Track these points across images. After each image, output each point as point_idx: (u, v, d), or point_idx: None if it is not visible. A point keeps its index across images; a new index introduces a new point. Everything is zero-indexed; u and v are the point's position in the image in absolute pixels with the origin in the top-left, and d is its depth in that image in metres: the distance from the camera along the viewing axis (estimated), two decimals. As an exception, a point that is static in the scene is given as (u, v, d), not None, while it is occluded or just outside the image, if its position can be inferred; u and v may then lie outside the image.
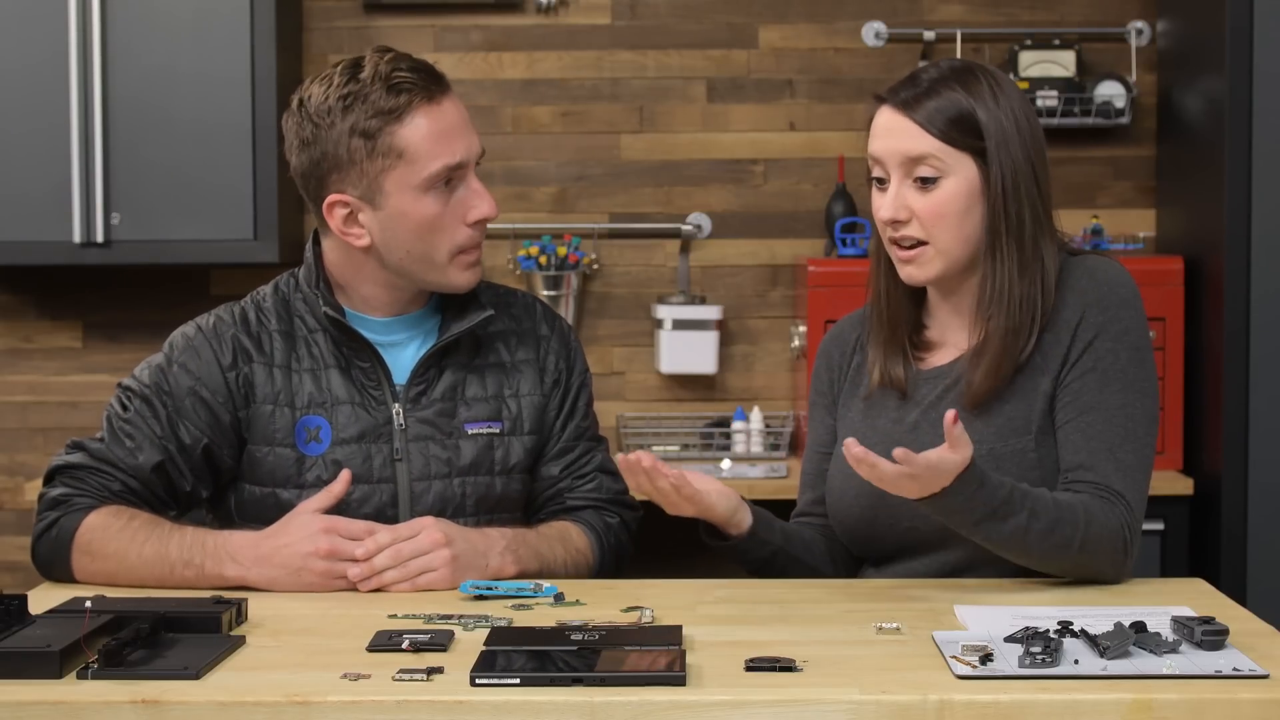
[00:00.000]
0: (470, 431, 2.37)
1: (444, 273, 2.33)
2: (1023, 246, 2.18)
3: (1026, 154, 2.18)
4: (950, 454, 1.97)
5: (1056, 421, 2.19)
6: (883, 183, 2.22)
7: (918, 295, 2.31)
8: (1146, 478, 2.18)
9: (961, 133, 2.16)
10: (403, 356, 2.38)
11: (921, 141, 2.17)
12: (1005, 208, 2.17)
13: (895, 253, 2.23)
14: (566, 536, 2.37)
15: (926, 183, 2.17)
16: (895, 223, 2.20)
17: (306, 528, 2.18)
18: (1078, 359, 2.18)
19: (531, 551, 2.28)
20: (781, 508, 2.42)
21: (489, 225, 2.36)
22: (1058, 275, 2.21)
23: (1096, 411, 2.16)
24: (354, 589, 2.16)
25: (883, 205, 2.21)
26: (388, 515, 2.31)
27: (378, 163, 2.27)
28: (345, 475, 2.27)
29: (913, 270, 2.22)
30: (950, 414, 1.96)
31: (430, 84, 2.29)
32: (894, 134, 2.19)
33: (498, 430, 2.39)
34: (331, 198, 2.30)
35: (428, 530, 2.18)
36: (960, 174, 2.17)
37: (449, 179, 2.30)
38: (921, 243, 2.20)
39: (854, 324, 2.41)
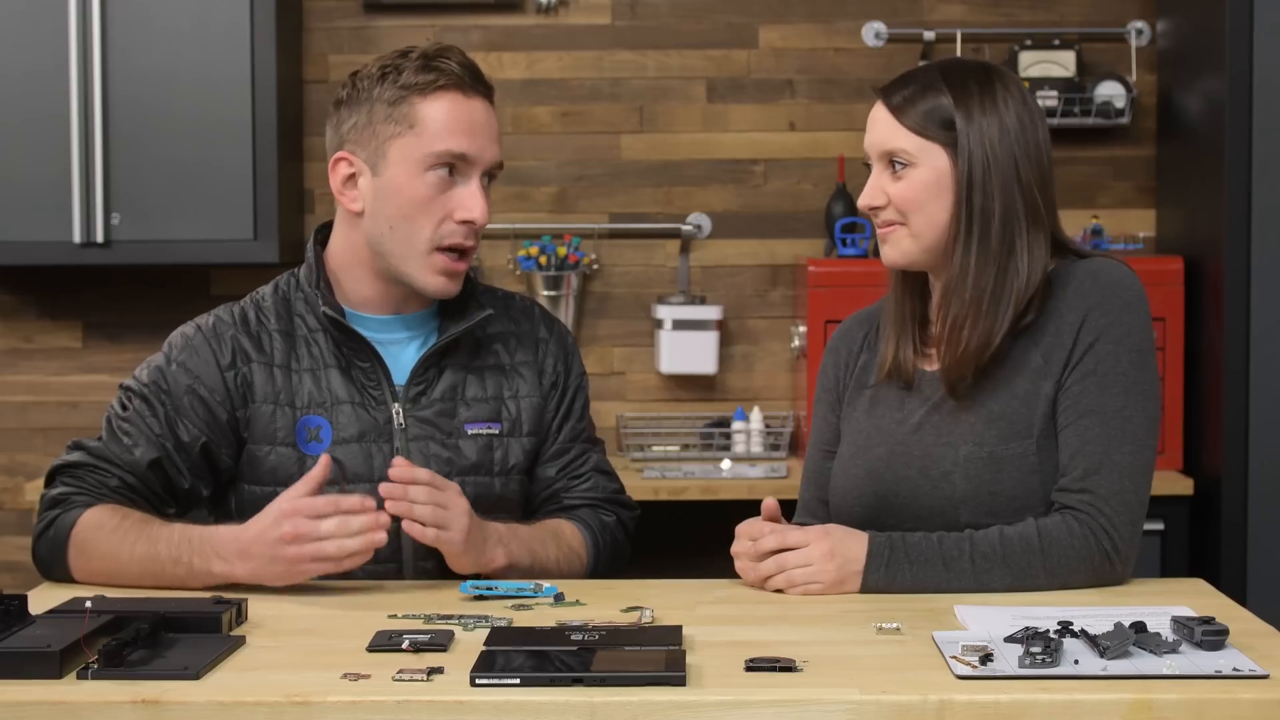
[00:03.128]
0: (470, 432, 2.37)
1: (419, 266, 2.31)
2: (987, 237, 2.21)
3: (1010, 151, 2.21)
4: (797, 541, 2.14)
5: (1058, 425, 2.19)
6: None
7: (924, 290, 2.32)
8: (1145, 480, 2.18)
9: (935, 126, 2.21)
10: (402, 356, 2.38)
11: (896, 135, 2.23)
12: (970, 196, 2.20)
13: (877, 234, 2.30)
14: (559, 533, 2.37)
15: (899, 169, 2.23)
16: (873, 209, 2.26)
17: (269, 515, 2.11)
18: (1079, 362, 2.19)
19: (523, 546, 2.28)
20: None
21: (487, 228, 2.35)
22: (1054, 276, 2.23)
23: (1095, 415, 2.17)
24: (354, 588, 2.15)
25: (863, 193, 2.29)
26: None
27: (389, 128, 2.29)
28: (324, 460, 2.16)
29: (887, 249, 2.27)
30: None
31: (469, 78, 2.31)
32: (875, 127, 2.26)
33: (497, 431, 2.39)
34: (339, 154, 2.33)
35: (456, 491, 2.18)
36: (930, 164, 2.22)
37: (452, 168, 2.30)
38: (898, 224, 2.25)
39: (862, 322, 2.43)
